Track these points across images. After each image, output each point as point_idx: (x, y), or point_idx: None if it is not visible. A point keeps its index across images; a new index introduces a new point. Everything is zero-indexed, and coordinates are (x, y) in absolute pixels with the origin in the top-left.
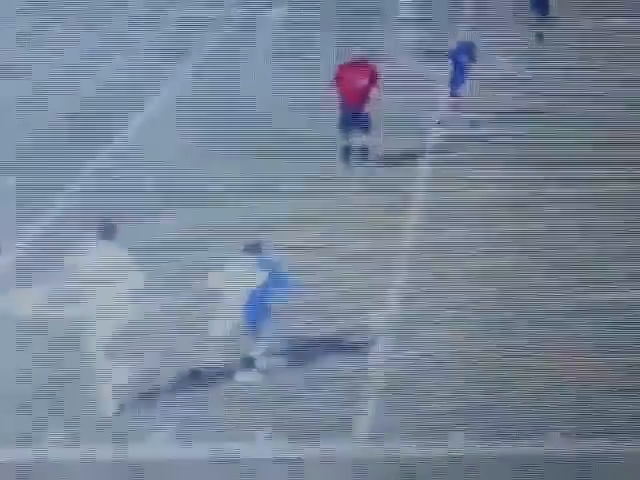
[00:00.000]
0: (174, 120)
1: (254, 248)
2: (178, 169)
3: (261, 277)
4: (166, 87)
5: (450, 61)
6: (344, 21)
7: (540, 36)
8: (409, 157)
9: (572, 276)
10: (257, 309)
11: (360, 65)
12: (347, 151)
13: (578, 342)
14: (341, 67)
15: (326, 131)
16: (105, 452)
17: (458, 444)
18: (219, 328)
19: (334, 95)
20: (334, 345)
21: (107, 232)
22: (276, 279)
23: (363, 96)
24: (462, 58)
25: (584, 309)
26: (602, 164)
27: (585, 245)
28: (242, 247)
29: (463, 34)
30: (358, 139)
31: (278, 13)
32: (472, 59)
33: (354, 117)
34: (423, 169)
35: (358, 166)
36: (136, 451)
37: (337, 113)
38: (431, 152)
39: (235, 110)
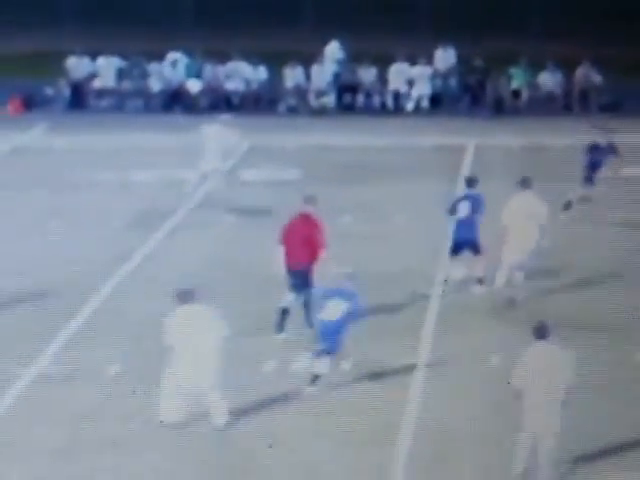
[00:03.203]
0: None
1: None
2: None
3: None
4: None
5: None
6: None
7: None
8: None
9: None
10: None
11: (304, 219)
12: (284, 315)
13: None
14: (290, 222)
15: None
16: None
17: None
18: None
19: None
20: None
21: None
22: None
23: (307, 254)
24: None
25: None
26: None
27: None
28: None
29: None
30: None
31: None
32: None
33: (298, 277)
34: None
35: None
36: None
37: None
38: None
39: None
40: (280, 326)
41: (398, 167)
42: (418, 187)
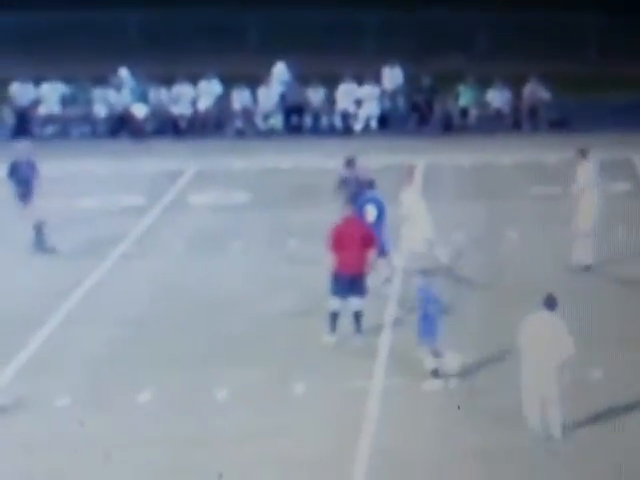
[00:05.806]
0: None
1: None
2: None
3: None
4: None
5: None
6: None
7: None
8: None
9: None
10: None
11: (353, 223)
12: (335, 318)
13: None
14: (336, 227)
15: None
16: None
17: None
18: None
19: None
20: None
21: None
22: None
23: (360, 258)
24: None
25: None
26: None
27: None
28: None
29: None
30: (352, 304)
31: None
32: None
33: (349, 282)
34: None
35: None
36: None
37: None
38: None
39: None
40: (332, 329)
41: None
42: None
